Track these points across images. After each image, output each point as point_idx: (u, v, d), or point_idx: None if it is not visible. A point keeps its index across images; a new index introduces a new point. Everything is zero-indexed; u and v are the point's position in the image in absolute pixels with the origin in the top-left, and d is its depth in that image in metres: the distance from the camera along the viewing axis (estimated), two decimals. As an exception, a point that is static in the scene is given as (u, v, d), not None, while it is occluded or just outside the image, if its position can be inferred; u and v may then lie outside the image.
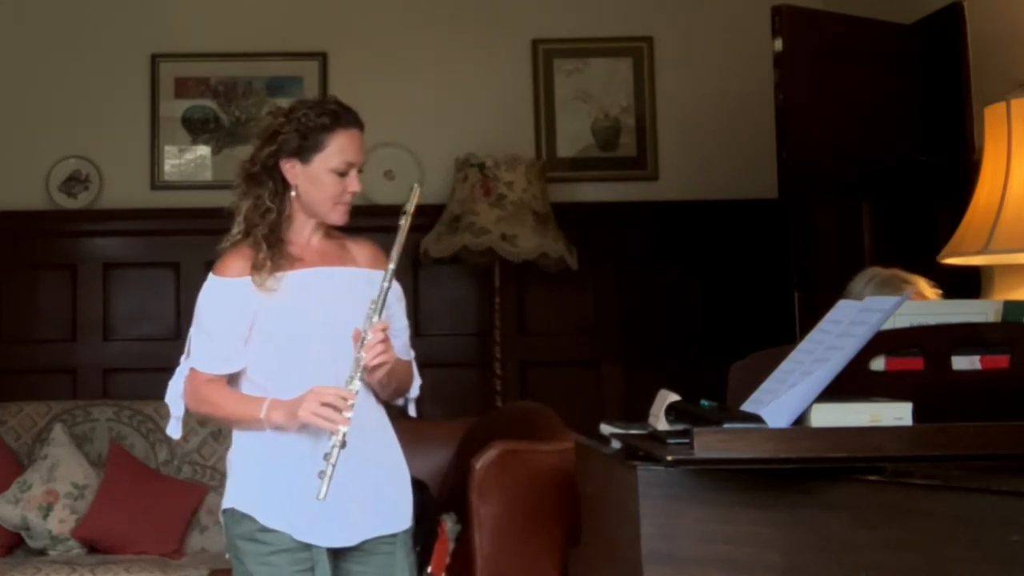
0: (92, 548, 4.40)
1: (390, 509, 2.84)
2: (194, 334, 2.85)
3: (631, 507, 2.14)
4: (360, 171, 2.83)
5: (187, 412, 2.89)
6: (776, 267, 4.41)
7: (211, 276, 2.83)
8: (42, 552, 4.38)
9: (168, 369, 5.08)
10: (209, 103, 5.29)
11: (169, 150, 5.28)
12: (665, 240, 5.28)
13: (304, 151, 2.77)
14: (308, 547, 2.73)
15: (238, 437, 2.84)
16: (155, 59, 5.27)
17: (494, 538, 3.44)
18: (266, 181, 2.81)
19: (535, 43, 5.35)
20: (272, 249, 2.76)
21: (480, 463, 3.46)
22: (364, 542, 2.79)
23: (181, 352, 5.10)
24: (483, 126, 5.20)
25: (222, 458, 4.66)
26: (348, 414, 2.59)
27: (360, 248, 2.89)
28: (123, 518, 4.39)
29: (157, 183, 5.26)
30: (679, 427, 2.19)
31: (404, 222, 2.72)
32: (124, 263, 5.23)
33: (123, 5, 5.30)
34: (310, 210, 2.82)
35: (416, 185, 2.78)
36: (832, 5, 4.56)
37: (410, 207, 2.74)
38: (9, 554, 4.40)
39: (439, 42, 5.30)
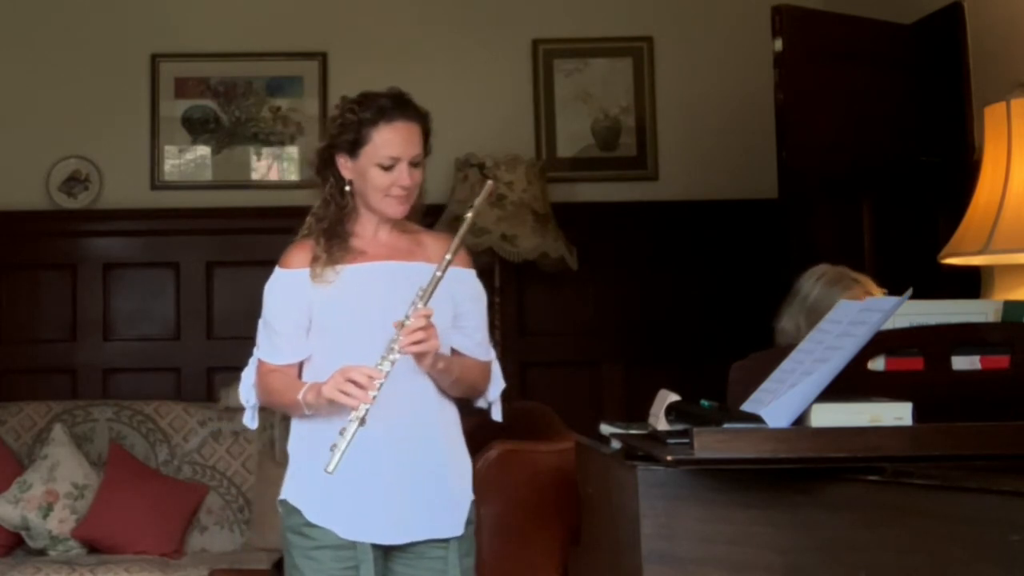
0: (92, 548, 4.40)
1: (443, 513, 2.75)
2: (260, 325, 2.85)
3: (631, 507, 2.14)
4: (417, 165, 2.78)
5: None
6: (776, 267, 4.40)
7: (276, 268, 2.83)
8: (42, 552, 4.38)
9: (168, 369, 5.17)
10: (209, 103, 5.29)
11: (169, 150, 5.28)
12: (665, 240, 5.28)
13: (352, 146, 2.75)
14: (354, 545, 2.69)
15: (294, 428, 2.83)
16: (155, 59, 5.27)
17: (494, 538, 3.44)
18: (327, 176, 2.81)
19: (535, 43, 5.35)
20: (331, 242, 2.76)
21: (480, 463, 3.46)
22: (413, 545, 2.73)
23: (181, 352, 5.18)
24: (483, 126, 5.20)
25: (222, 458, 4.70)
26: (372, 393, 2.55)
27: (436, 243, 2.84)
28: (123, 518, 4.39)
29: (157, 183, 5.26)
30: (679, 427, 2.20)
31: (470, 215, 2.69)
32: (124, 263, 5.23)
33: (123, 5, 5.30)
34: (366, 204, 2.79)
35: (490, 182, 2.81)
36: (832, 5, 4.55)
37: (479, 202, 2.70)
38: (9, 554, 4.40)
39: (439, 42, 5.30)
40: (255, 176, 5.30)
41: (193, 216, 5.18)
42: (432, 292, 2.62)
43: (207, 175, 5.29)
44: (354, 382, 2.57)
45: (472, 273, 2.86)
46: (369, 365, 2.59)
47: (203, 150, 5.29)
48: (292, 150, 5.30)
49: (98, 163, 5.22)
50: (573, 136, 5.34)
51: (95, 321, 5.17)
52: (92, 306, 5.18)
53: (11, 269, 5.17)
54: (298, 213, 5.12)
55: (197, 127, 5.28)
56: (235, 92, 5.29)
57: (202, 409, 4.81)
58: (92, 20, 5.27)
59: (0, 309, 5.16)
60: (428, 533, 2.73)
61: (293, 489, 2.78)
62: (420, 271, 2.72)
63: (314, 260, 2.75)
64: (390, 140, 2.74)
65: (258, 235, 5.21)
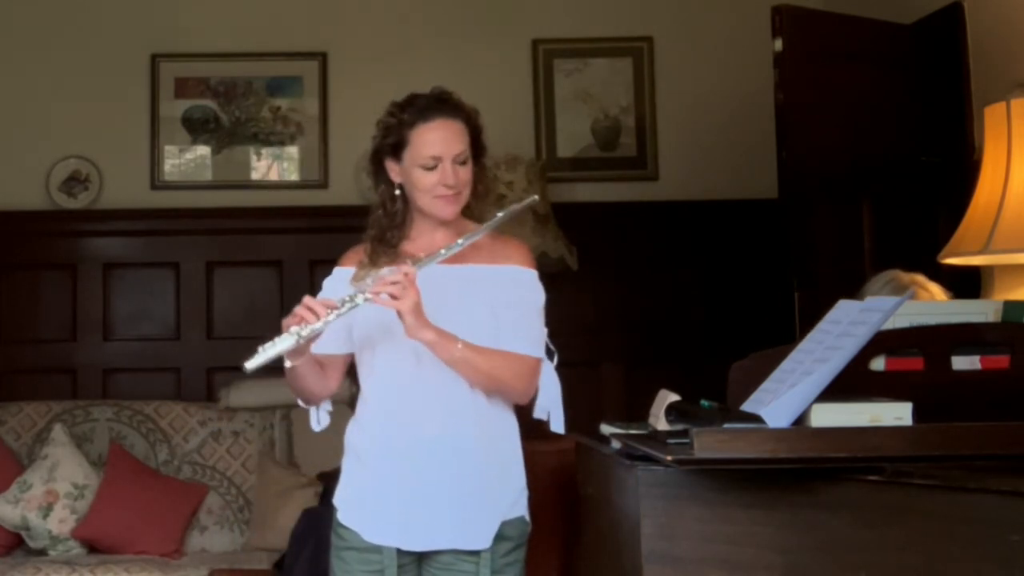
0: (92, 548, 4.40)
1: (468, 524, 2.66)
2: None
3: (631, 507, 2.14)
4: (464, 163, 2.73)
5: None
6: (776, 267, 4.40)
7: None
8: (42, 552, 4.38)
9: (168, 369, 5.17)
10: (209, 103, 5.29)
11: (169, 150, 5.28)
12: (665, 240, 5.28)
13: (395, 149, 2.73)
14: (380, 549, 2.66)
15: (347, 432, 2.80)
16: (155, 59, 5.27)
17: (494, 538, 3.42)
18: (379, 181, 2.79)
19: (535, 43, 5.35)
20: (377, 247, 2.74)
21: (480, 463, 3.45)
22: (442, 554, 2.67)
23: (181, 352, 5.18)
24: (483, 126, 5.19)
25: (222, 458, 4.70)
26: (322, 320, 2.51)
27: (495, 244, 2.75)
28: (123, 518, 4.39)
29: (157, 183, 5.26)
30: (679, 427, 2.20)
31: (502, 214, 2.65)
32: (124, 263, 5.23)
33: (123, 5, 5.30)
34: (417, 207, 2.75)
35: (535, 197, 2.78)
36: (832, 5, 4.55)
37: (516, 207, 2.66)
38: (9, 554, 4.40)
39: (439, 42, 5.30)
40: (255, 176, 5.30)
41: (193, 216, 5.18)
42: (426, 264, 2.59)
43: (207, 175, 5.29)
44: (310, 308, 2.54)
45: (524, 273, 2.74)
46: (401, 366, 2.62)
47: (203, 150, 5.29)
48: (292, 150, 5.30)
49: (98, 163, 5.22)
50: (573, 136, 5.34)
51: (95, 321, 5.17)
52: (92, 306, 5.18)
53: (11, 269, 5.17)
54: (298, 213, 5.19)
55: (197, 127, 5.28)
56: (235, 92, 5.30)
57: (202, 409, 4.81)
58: (92, 20, 5.27)
59: (0, 309, 5.16)
60: (450, 543, 2.66)
61: (337, 490, 2.77)
62: (468, 274, 2.67)
63: (359, 264, 2.75)
64: (430, 140, 2.70)
65: (258, 235, 5.22)
